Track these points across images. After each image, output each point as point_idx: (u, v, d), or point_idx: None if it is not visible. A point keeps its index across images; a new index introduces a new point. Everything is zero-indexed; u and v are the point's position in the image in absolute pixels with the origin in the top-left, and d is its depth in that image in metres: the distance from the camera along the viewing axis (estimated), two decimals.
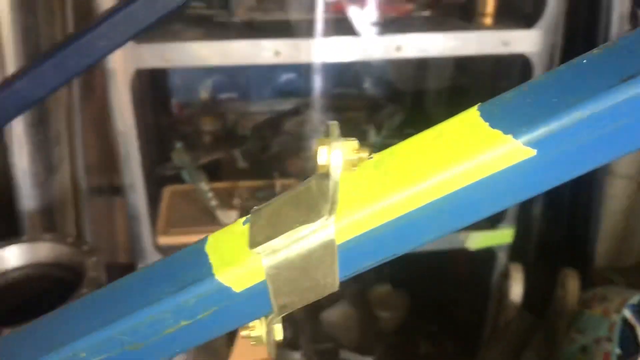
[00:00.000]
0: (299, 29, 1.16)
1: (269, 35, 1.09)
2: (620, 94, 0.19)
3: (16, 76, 0.58)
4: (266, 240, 0.22)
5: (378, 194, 0.21)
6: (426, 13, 1.26)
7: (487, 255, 1.34)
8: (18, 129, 1.11)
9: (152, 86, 1.44)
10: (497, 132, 0.21)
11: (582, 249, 1.45)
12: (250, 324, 0.24)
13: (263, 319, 0.24)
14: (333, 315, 1.62)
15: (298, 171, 1.51)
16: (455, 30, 1.12)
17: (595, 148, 0.21)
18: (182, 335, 0.23)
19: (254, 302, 0.23)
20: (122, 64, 1.03)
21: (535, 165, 0.21)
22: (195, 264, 0.23)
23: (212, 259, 0.23)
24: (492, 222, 1.28)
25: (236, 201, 1.34)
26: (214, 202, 1.27)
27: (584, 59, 0.21)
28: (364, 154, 0.23)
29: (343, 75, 1.63)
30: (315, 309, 1.64)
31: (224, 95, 1.69)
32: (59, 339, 0.23)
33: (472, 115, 0.22)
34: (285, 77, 1.67)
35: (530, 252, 1.46)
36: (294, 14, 1.21)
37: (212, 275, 0.22)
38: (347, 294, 1.69)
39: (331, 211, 0.21)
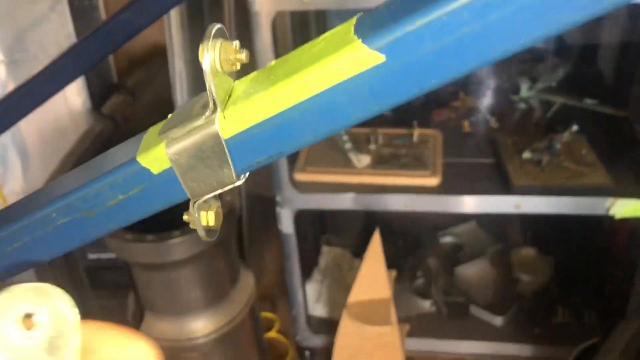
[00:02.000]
0: None
1: None
2: (458, 1, 0.19)
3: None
4: (169, 129, 0.25)
5: (259, 94, 0.24)
6: None
7: (639, 227, 1.22)
8: (180, 64, 1.25)
9: (300, 27, 1.50)
10: (355, 39, 0.21)
11: None
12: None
13: (192, 204, 0.28)
14: (470, 270, 1.61)
15: (442, 121, 1.50)
16: None
17: (442, 56, 0.20)
18: (122, 208, 0.28)
19: (170, 184, 0.27)
20: (265, 6, 1.10)
21: (386, 70, 0.21)
22: (130, 149, 0.28)
23: (141, 145, 0.27)
24: None
25: (372, 146, 1.37)
26: (348, 145, 1.32)
27: None
28: (242, 55, 0.25)
29: None
30: (452, 262, 1.64)
31: None
32: (37, 204, 0.29)
33: (348, 24, 0.23)
34: None
35: None
36: None
37: (134, 158, 0.27)
38: (489, 251, 1.65)
39: (212, 108, 0.24)
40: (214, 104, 0.24)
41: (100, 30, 0.67)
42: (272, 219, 1.36)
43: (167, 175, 0.27)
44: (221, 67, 0.25)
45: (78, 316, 0.18)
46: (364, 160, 1.32)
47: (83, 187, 0.27)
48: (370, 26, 0.22)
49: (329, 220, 1.82)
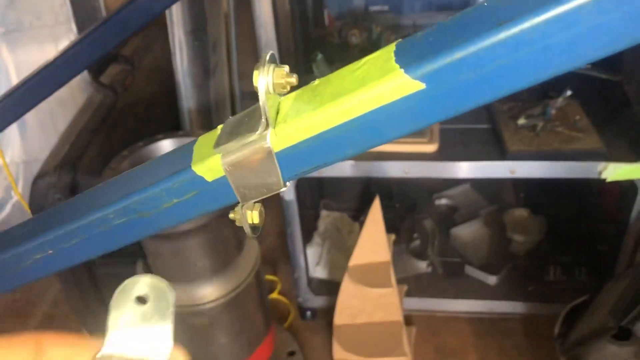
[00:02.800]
0: None
1: None
2: (495, 36, 0.21)
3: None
4: (224, 143, 0.28)
5: (307, 114, 0.26)
6: None
7: (630, 189, 1.27)
8: (179, 34, 1.26)
9: None
10: (396, 67, 0.24)
11: None
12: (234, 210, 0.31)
13: (240, 206, 0.31)
14: (464, 231, 1.66)
15: None
16: None
17: (477, 85, 0.23)
18: (177, 210, 0.31)
19: (222, 190, 0.30)
20: None
21: (425, 97, 0.24)
22: (183, 157, 0.30)
23: (194, 154, 0.30)
24: (635, 153, 1.20)
25: None
26: None
27: (485, 2, 0.23)
28: (292, 79, 0.28)
29: None
30: (447, 224, 1.68)
31: (375, 7, 1.71)
32: (92, 205, 0.32)
33: (389, 50, 0.25)
34: None
35: None
36: None
37: (189, 167, 0.29)
38: (483, 213, 1.70)
39: (265, 125, 0.27)
40: (267, 122, 0.27)
41: (102, 25, 0.69)
42: None
43: (220, 182, 0.29)
44: (273, 90, 0.27)
45: (174, 294, 0.26)
46: None
47: (141, 192, 0.30)
48: (410, 55, 0.24)
49: (327, 184, 1.86)
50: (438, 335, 1.51)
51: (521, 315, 1.49)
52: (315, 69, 1.34)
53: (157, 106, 1.53)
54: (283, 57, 1.23)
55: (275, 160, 0.28)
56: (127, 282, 0.26)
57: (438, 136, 1.31)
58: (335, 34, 1.64)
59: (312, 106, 0.27)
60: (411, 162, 1.28)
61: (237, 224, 0.31)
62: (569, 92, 1.33)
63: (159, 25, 1.45)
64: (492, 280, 1.53)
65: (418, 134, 1.31)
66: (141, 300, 0.25)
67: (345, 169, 1.30)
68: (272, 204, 1.84)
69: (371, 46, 1.59)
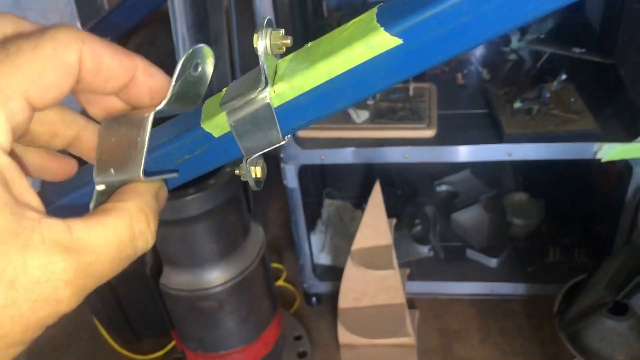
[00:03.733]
0: None
1: None
2: None
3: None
4: (229, 101, 0.32)
5: (302, 72, 0.30)
6: None
7: (625, 169, 1.30)
8: (182, 29, 1.30)
9: None
10: (377, 26, 0.27)
11: None
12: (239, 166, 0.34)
13: (245, 161, 0.34)
14: (465, 216, 1.69)
15: (436, 75, 1.55)
16: None
17: (447, 39, 0.26)
18: (188, 165, 0.34)
19: (229, 145, 0.33)
20: None
21: (403, 51, 0.27)
22: (193, 118, 0.34)
23: (203, 114, 0.34)
24: (629, 134, 1.23)
25: (370, 102, 1.43)
26: None
27: None
28: (287, 40, 0.31)
29: None
30: (448, 209, 1.72)
31: None
32: None
33: (371, 12, 0.29)
34: None
35: None
36: None
37: (199, 124, 0.33)
38: (483, 198, 1.73)
39: (264, 83, 0.30)
40: (266, 80, 0.31)
41: (103, 21, 0.72)
42: (273, 175, 1.42)
43: (226, 138, 0.33)
44: (271, 51, 0.31)
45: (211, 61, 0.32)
46: (363, 115, 1.38)
47: (156, 149, 0.34)
48: (390, 15, 0.28)
49: (330, 173, 1.89)
50: (441, 318, 1.54)
51: (522, 296, 1.52)
52: None
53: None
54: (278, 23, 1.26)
55: (275, 115, 0.31)
56: (188, 52, 0.31)
57: (436, 121, 1.34)
58: (335, 25, 1.67)
59: (305, 65, 0.30)
60: (411, 147, 1.31)
61: (242, 178, 0.35)
62: (564, 76, 1.37)
63: (162, 20, 1.49)
64: (492, 262, 1.56)
65: (416, 120, 1.35)
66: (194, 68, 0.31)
67: (346, 155, 1.34)
68: (277, 195, 1.87)
69: None
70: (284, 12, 1.43)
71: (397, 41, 0.27)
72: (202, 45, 0.31)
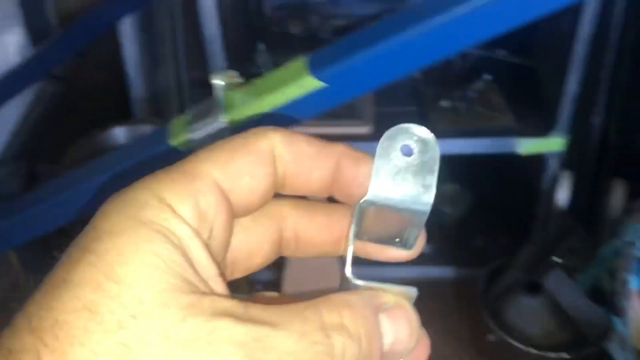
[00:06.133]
0: None
1: None
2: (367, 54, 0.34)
3: None
4: (194, 123, 0.39)
5: (249, 103, 0.38)
6: None
7: (540, 161, 1.43)
8: (128, 27, 1.34)
9: None
10: (307, 72, 0.36)
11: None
12: None
13: None
14: None
15: None
16: None
17: (361, 82, 0.35)
18: None
19: None
20: None
21: (326, 91, 0.36)
22: (161, 137, 0.41)
23: (171, 133, 0.41)
24: (544, 129, 1.36)
25: None
26: None
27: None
28: (238, 79, 0.39)
29: None
30: None
31: None
32: (84, 178, 0.43)
33: (302, 61, 0.37)
34: None
35: (588, 162, 1.52)
36: None
37: (168, 142, 0.41)
38: None
39: (219, 113, 0.39)
40: (223, 109, 0.39)
41: (57, 39, 0.77)
42: None
43: (191, 152, 0.41)
44: (226, 88, 0.39)
45: (439, 150, 0.25)
46: None
47: (129, 162, 0.41)
48: (317, 64, 0.36)
49: None
50: None
51: (451, 279, 1.65)
52: (258, 58, 1.44)
53: (107, 95, 1.61)
54: (227, 47, 1.32)
55: (230, 133, 0.39)
56: (393, 129, 0.25)
57: (372, 118, 1.44)
58: (277, 24, 1.74)
59: (252, 98, 0.38)
60: (348, 144, 1.40)
61: None
62: (487, 77, 1.49)
63: None
64: (425, 249, 1.68)
65: (353, 117, 1.44)
66: (406, 151, 0.25)
67: None
68: None
69: (311, 35, 1.70)
70: (228, 13, 1.50)
71: (321, 84, 0.36)
72: (412, 125, 0.25)
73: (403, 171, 0.25)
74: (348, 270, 0.24)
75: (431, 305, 1.62)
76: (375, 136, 1.42)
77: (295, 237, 0.27)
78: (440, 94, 1.48)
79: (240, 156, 0.24)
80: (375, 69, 0.33)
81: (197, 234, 0.21)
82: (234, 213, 0.24)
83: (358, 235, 0.25)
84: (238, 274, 0.27)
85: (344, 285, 0.24)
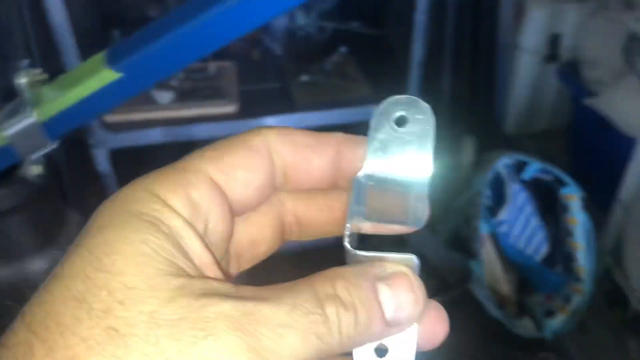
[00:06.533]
0: None
1: None
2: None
3: None
4: (5, 121, 0.41)
5: (56, 98, 0.41)
6: None
7: None
8: None
9: None
10: (104, 67, 0.39)
11: (491, 116, 1.63)
12: None
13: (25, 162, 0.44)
14: None
15: (237, 52, 1.67)
16: None
17: (153, 71, 0.39)
18: None
19: (9, 153, 0.43)
20: None
21: (122, 82, 0.39)
22: None
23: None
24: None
25: (174, 82, 1.51)
26: None
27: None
28: (43, 76, 0.42)
29: None
30: None
31: None
32: None
33: (102, 55, 0.40)
34: None
35: (439, 122, 1.64)
36: None
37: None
38: None
39: (27, 110, 0.41)
40: (31, 106, 0.41)
41: None
42: (89, 161, 1.46)
43: (6, 149, 0.42)
44: (32, 85, 0.41)
45: (434, 119, 0.25)
46: (167, 96, 1.46)
47: None
48: (114, 56, 0.39)
49: (147, 156, 1.94)
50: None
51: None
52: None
53: None
54: (80, 36, 1.28)
55: (41, 128, 0.42)
56: (386, 103, 0.25)
57: (237, 97, 1.47)
58: (133, 9, 1.71)
59: (57, 93, 0.41)
60: (215, 124, 1.42)
61: (28, 176, 0.45)
62: (343, 49, 1.56)
63: None
64: None
65: (217, 97, 1.46)
66: (400, 121, 0.25)
67: (155, 136, 1.42)
68: (96, 182, 1.89)
69: (168, 17, 1.68)
70: (78, 1, 1.45)
71: (117, 75, 0.39)
72: (404, 96, 0.25)
73: (399, 143, 0.25)
74: (347, 242, 0.24)
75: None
76: (241, 114, 1.45)
77: (296, 221, 0.27)
78: (301, 69, 1.53)
79: (234, 151, 0.24)
80: (165, 57, 0.36)
81: (190, 224, 0.22)
82: (235, 208, 0.25)
83: (363, 216, 0.25)
84: (245, 265, 0.27)
85: (348, 259, 0.24)
